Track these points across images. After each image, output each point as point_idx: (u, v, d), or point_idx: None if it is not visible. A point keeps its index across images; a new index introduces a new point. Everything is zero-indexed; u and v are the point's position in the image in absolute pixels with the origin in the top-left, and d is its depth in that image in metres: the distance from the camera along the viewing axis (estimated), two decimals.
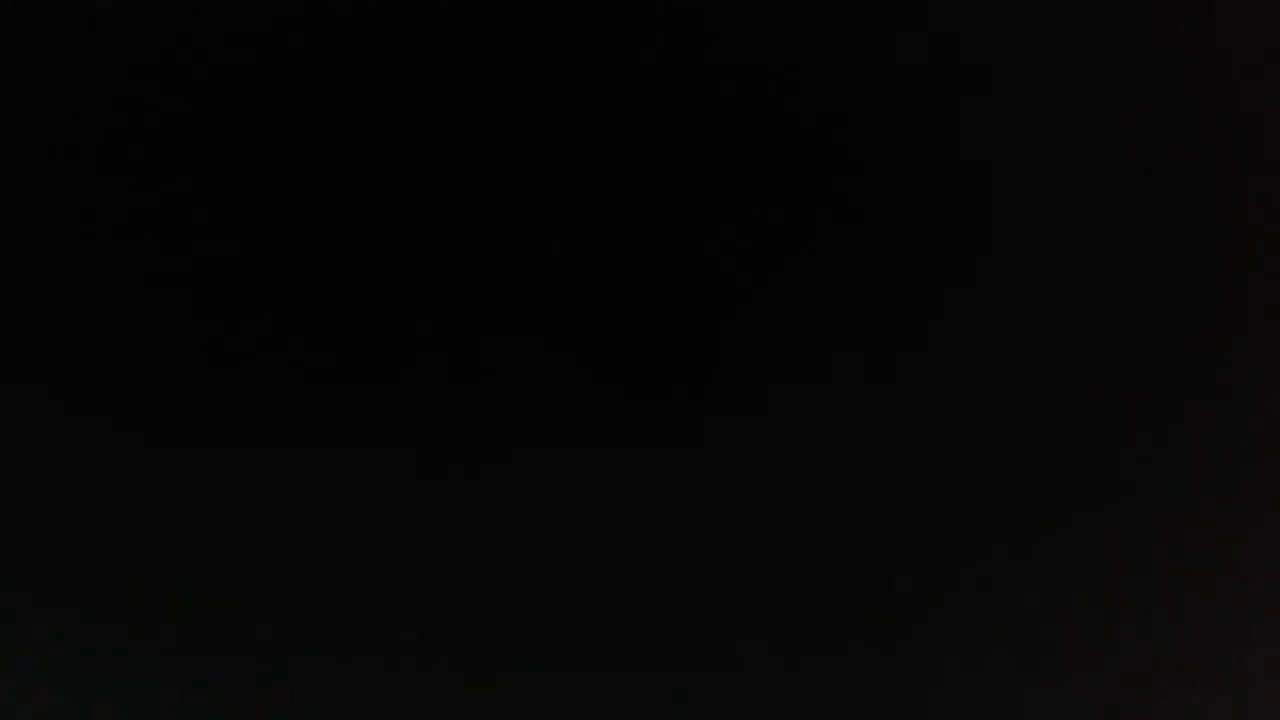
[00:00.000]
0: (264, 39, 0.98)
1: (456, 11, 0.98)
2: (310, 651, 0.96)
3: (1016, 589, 0.97)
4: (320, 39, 0.98)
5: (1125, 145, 0.98)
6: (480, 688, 0.96)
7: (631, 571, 0.96)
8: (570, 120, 0.98)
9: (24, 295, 0.97)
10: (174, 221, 0.97)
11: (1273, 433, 0.97)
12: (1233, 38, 0.99)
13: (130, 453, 0.96)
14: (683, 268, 0.97)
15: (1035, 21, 0.99)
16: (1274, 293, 0.98)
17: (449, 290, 0.97)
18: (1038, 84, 0.98)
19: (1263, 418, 0.97)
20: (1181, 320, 0.98)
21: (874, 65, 0.98)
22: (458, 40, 0.98)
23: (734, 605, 0.96)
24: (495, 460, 0.97)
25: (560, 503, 0.97)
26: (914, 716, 0.96)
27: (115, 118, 0.98)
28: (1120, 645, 0.96)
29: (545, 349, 0.97)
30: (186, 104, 0.98)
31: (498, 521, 0.97)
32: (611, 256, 0.97)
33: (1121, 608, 0.97)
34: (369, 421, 0.97)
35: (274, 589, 0.96)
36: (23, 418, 0.96)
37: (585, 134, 0.98)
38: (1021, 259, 0.98)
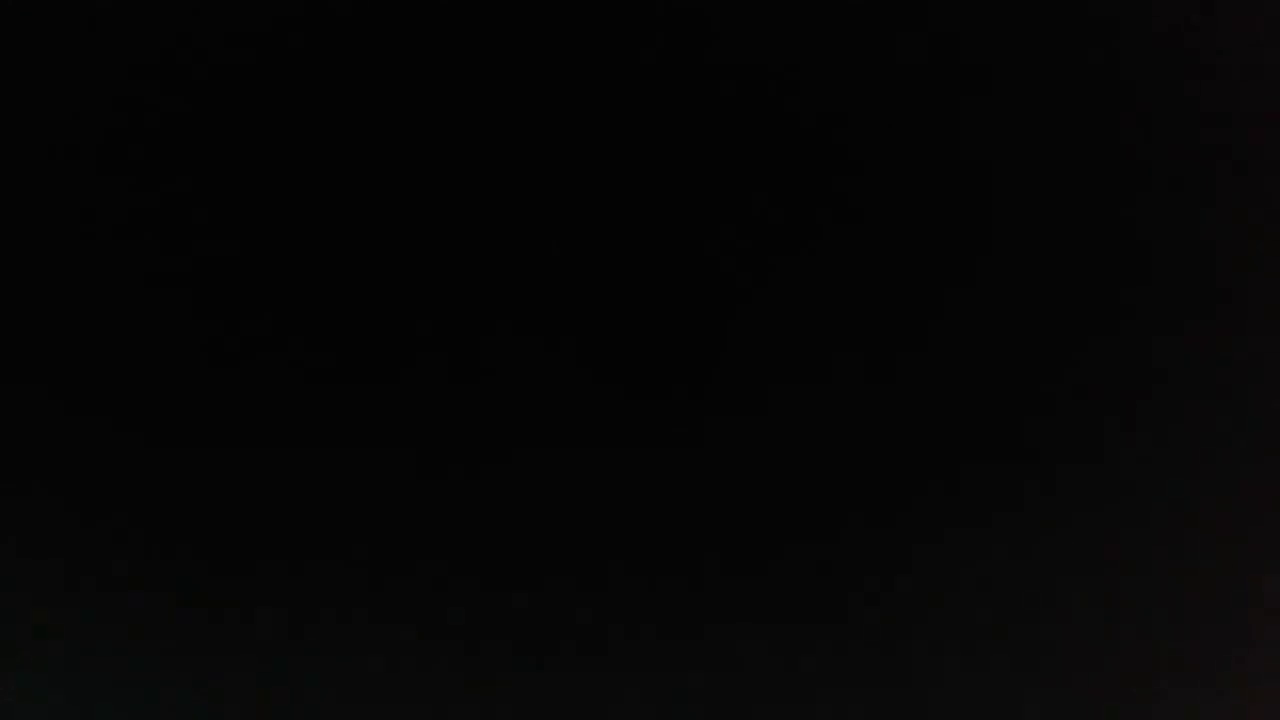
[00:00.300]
0: (264, 39, 0.98)
1: (456, 11, 0.98)
2: (310, 651, 0.96)
3: (1016, 589, 0.97)
4: (320, 39, 0.98)
5: (1125, 145, 0.98)
6: (480, 688, 0.96)
7: (631, 571, 0.96)
8: (570, 120, 0.98)
9: (24, 295, 0.97)
10: (174, 221, 0.97)
11: (1273, 433, 0.97)
12: (1233, 38, 0.99)
13: (130, 453, 0.96)
14: (683, 268, 0.97)
15: (1035, 21, 0.99)
16: (1274, 293, 0.98)
17: (449, 290, 0.97)
18: (1038, 84, 0.98)
19: (1263, 418, 0.97)
20: (1181, 320, 0.98)
21: (874, 65, 0.98)
22: (457, 40, 0.98)
23: (734, 605, 0.96)
24: (495, 460, 0.97)
25: (560, 503, 0.97)
26: (914, 716, 0.96)
27: (115, 118, 0.98)
28: (1120, 645, 0.96)
29: (545, 349, 0.97)
30: (186, 104, 0.98)
31: (498, 521, 0.97)
32: (611, 256, 0.97)
33: (1121, 608, 0.97)
34: (369, 421, 0.97)
35: (274, 589, 0.96)
36: (23, 418, 0.96)
37: (585, 134, 0.98)
38: (1021, 259, 0.98)
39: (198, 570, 0.96)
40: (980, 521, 0.97)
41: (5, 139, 0.98)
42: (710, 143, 0.98)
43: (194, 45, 0.98)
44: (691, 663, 0.96)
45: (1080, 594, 0.97)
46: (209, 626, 0.96)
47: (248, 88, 0.98)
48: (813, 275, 0.97)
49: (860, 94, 0.98)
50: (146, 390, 0.97)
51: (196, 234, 0.97)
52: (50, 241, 0.97)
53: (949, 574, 0.96)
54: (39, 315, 0.97)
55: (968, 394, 0.97)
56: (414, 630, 0.96)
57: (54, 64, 0.98)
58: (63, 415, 0.96)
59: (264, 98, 0.98)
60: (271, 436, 0.96)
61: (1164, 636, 0.96)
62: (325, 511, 0.96)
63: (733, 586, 0.96)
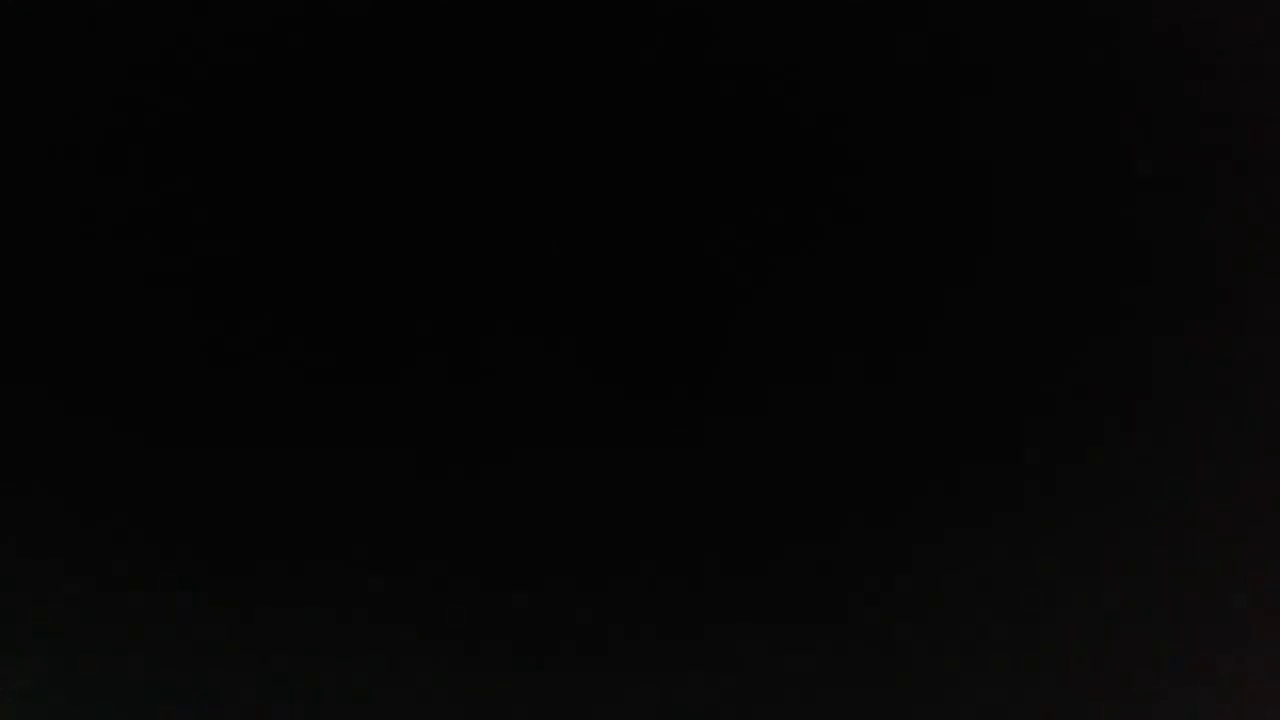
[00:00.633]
0: (264, 39, 0.98)
1: (456, 11, 0.98)
2: (310, 651, 0.96)
3: (1016, 589, 0.97)
4: (320, 39, 0.98)
5: (1125, 145, 0.98)
6: (480, 688, 0.96)
7: (631, 571, 0.96)
8: (570, 120, 0.98)
9: (24, 295, 0.97)
10: (174, 221, 0.97)
11: (1273, 433, 0.97)
12: (1233, 38, 0.99)
13: (130, 453, 0.96)
14: (683, 268, 0.97)
15: (1035, 21, 0.99)
16: (1274, 293, 0.98)
17: (449, 290, 0.97)
18: (1038, 84, 0.98)
19: (1263, 418, 0.97)
20: (1181, 320, 0.98)
21: (874, 65, 0.98)
22: (457, 40, 0.98)
23: (734, 605, 0.96)
24: (495, 460, 0.97)
25: (560, 503, 0.97)
26: (914, 716, 0.96)
27: (115, 118, 0.98)
28: (1120, 645, 0.96)
29: (545, 349, 0.97)
30: (186, 104, 0.98)
31: (498, 521, 0.97)
32: (611, 256, 0.97)
33: (1121, 608, 0.97)
34: (369, 421, 0.97)
35: (274, 589, 0.96)
36: (23, 418, 0.96)
37: (585, 134, 0.98)
38: (1021, 259, 0.98)
39: (198, 570, 0.96)
40: (980, 521, 0.97)
41: (5, 139, 0.98)
42: (710, 143, 0.98)
43: (194, 45, 0.98)
44: (691, 663, 0.96)
45: (1080, 594, 0.97)
46: (209, 626, 0.96)
47: (248, 88, 0.98)
48: (813, 275, 0.97)
49: (860, 94, 0.98)
50: (146, 390, 0.97)
51: (196, 234, 0.97)
52: (50, 241, 0.97)
53: (949, 574, 0.96)
54: (39, 315, 0.97)
55: (968, 394, 0.97)
56: (414, 630, 0.96)
57: (54, 64, 0.98)
58: (63, 415, 0.96)
59: (264, 98, 0.98)
60: (271, 436, 0.96)
61: (1164, 636, 0.96)
62: (325, 511, 0.96)
63: (733, 586, 0.96)
